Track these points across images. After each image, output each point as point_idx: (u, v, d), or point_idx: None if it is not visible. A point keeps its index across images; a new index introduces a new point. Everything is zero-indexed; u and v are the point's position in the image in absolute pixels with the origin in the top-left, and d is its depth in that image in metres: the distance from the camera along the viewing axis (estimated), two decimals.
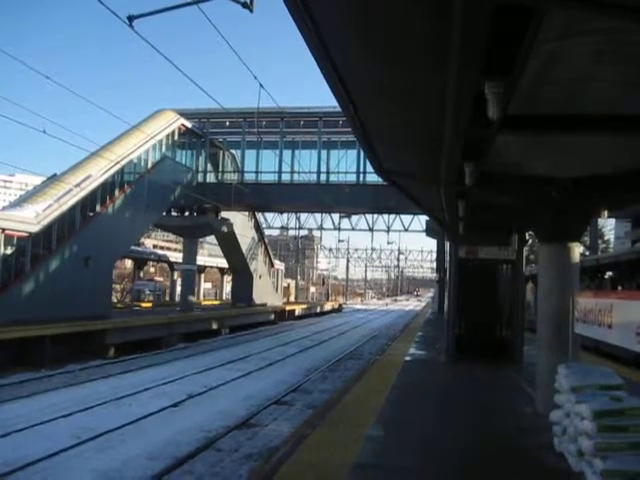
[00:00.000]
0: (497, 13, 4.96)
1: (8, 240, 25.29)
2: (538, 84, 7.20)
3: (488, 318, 20.24)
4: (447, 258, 23.38)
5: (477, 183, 10.82)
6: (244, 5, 11.81)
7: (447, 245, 23.94)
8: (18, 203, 28.90)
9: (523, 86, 6.87)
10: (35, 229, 26.19)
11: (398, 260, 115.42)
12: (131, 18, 13.95)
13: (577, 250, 11.95)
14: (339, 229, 53.00)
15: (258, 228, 54.64)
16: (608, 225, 56.76)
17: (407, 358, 20.50)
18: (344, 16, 6.13)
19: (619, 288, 25.77)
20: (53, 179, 30.14)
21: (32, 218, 26.14)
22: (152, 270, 75.32)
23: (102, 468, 10.70)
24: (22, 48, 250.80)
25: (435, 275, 62.22)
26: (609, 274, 29.29)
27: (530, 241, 32.30)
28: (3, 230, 24.77)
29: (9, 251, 25.62)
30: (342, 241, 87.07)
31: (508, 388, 15.24)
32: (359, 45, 6.87)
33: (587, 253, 42.16)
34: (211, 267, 71.90)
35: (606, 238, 58.62)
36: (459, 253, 20.04)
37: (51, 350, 22.86)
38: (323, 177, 40.05)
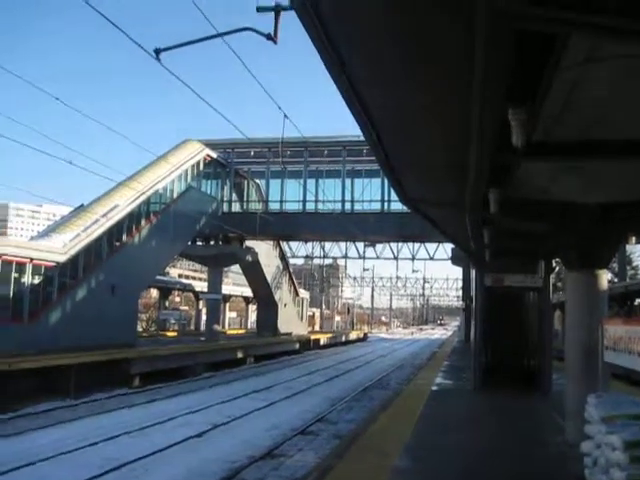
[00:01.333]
0: (520, 40, 4.96)
1: (36, 269, 25.58)
2: (562, 110, 7.16)
3: (515, 347, 20.01)
4: (473, 286, 23.21)
5: (502, 210, 10.76)
6: (268, 37, 11.94)
7: (473, 273, 23.79)
8: (46, 233, 29.31)
9: (547, 112, 6.85)
10: (62, 259, 26.47)
11: (423, 288, 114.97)
12: (158, 51, 14.15)
13: (605, 277, 11.81)
14: (364, 258, 52.96)
15: (283, 257, 54.75)
16: (636, 251, 56.04)
17: (434, 387, 20.28)
18: (368, 45, 6.16)
19: None
20: (80, 209, 30.56)
21: (59, 248, 26.45)
22: (177, 299, 75.79)
23: None
24: (48, 77, 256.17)
25: (461, 303, 61.72)
26: (639, 301, 28.83)
27: (557, 268, 31.97)
28: (31, 260, 25.07)
29: (37, 280, 25.90)
30: (367, 270, 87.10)
31: (537, 418, 15.00)
32: (384, 73, 6.89)
33: (615, 280, 41.64)
34: (236, 296, 72.12)
35: (634, 264, 57.81)
36: (485, 281, 19.87)
37: (77, 379, 22.92)
38: (347, 206, 40.13)
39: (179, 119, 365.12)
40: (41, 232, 33.72)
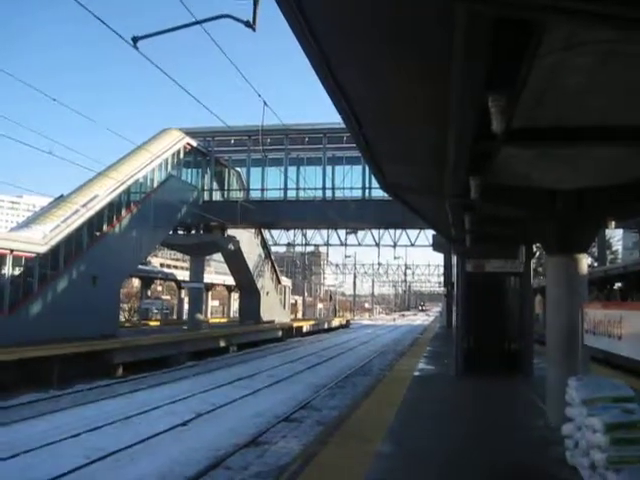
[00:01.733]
0: (498, 26, 4.98)
1: (16, 261, 25.41)
2: (541, 96, 7.21)
3: (497, 332, 20.15)
4: (454, 272, 23.32)
5: (483, 196, 10.81)
6: (247, 24, 11.85)
7: (454, 259, 23.90)
8: (26, 224, 29.10)
9: (527, 99, 6.89)
10: (43, 249, 26.30)
11: (405, 275, 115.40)
12: (135, 39, 14.03)
13: (585, 261, 11.93)
14: (345, 245, 52.98)
15: (264, 245, 54.72)
16: (616, 236, 56.65)
17: (416, 373, 20.42)
18: (346, 30, 6.16)
19: (629, 299, 25.62)
20: (60, 200, 30.35)
21: (40, 239, 26.27)
22: (159, 289, 75.51)
23: None
24: (25, 67, 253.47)
25: (443, 289, 62.05)
26: (618, 285, 29.15)
27: (538, 253, 32.19)
28: (11, 251, 24.89)
29: (17, 272, 25.74)
30: (349, 257, 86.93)
31: (519, 401, 15.16)
32: (362, 60, 6.90)
33: (595, 264, 42.03)
34: (218, 285, 72.03)
35: (614, 249, 58.43)
36: (466, 267, 19.99)
37: (59, 370, 22.83)
38: (329, 193, 40.15)
39: (159, 108, 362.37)
40: (21, 223, 33.46)
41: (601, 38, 5.65)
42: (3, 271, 24.90)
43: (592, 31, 5.48)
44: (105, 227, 31.24)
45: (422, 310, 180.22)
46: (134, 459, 12.56)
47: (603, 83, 6.91)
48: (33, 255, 26.01)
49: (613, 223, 17.95)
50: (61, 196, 31.14)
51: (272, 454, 13.04)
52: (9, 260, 24.94)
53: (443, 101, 6.83)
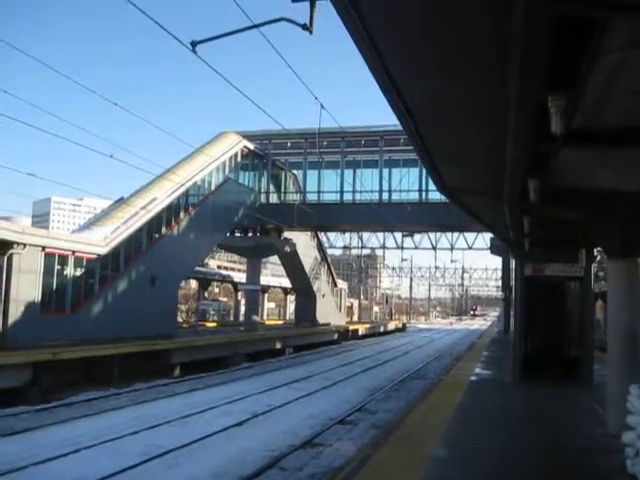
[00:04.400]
0: (559, 25, 4.89)
1: (78, 262, 26.00)
2: (602, 96, 7.04)
3: (556, 337, 19.80)
4: (512, 276, 22.99)
5: (541, 199, 10.65)
6: (304, 27, 11.91)
7: (512, 263, 23.56)
8: (87, 226, 29.76)
9: (587, 99, 6.74)
10: (103, 251, 26.86)
11: (462, 278, 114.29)
12: (194, 43, 14.21)
13: None
14: (402, 248, 52.70)
15: (321, 248, 54.81)
16: None
17: (473, 378, 20.20)
18: (402, 30, 6.13)
19: None
20: (120, 202, 30.95)
21: (100, 240, 26.84)
22: (216, 290, 76.42)
23: None
24: (83, 71, 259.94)
25: (500, 293, 61.16)
26: None
27: (599, 257, 31.49)
28: (73, 252, 25.48)
29: (79, 272, 26.33)
30: (405, 260, 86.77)
31: (578, 408, 14.85)
32: (419, 62, 6.86)
33: None
34: (274, 287, 72.40)
35: None
36: (525, 271, 19.67)
37: (119, 369, 23.31)
38: (385, 196, 39.96)
39: (215, 111, 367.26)
40: (82, 225, 34.24)
41: None
42: (65, 272, 25.50)
43: None
44: (164, 229, 31.74)
45: (474, 315, 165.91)
46: (190, 457, 12.72)
47: None
48: (94, 256, 26.59)
49: None
50: (121, 198, 31.75)
51: (327, 456, 13.06)
52: (71, 261, 25.55)
53: (501, 102, 6.74)
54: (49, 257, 24.40)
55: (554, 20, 4.82)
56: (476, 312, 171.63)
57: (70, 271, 25.67)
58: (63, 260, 25.28)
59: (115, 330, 25.78)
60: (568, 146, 8.05)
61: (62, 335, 23.08)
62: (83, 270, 26.56)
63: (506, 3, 4.59)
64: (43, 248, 23.87)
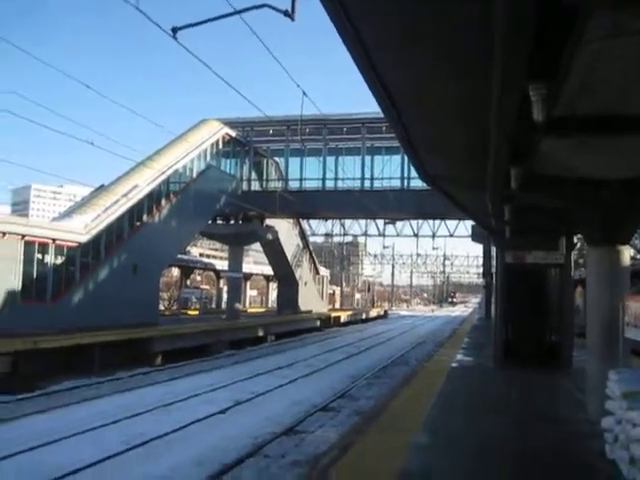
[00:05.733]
0: (541, 13, 4.89)
1: (58, 250, 25.83)
2: (584, 85, 7.07)
3: (536, 323, 19.96)
4: (494, 263, 23.12)
5: (523, 186, 10.69)
6: (285, 13, 11.86)
7: (493, 250, 23.69)
8: (67, 214, 29.55)
9: (569, 88, 6.77)
10: (84, 239, 26.69)
11: (444, 266, 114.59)
12: (175, 29, 14.11)
13: (627, 253, 11.71)
14: (384, 235, 52.78)
15: (303, 235, 54.81)
16: None
17: (454, 364, 20.32)
18: (384, 17, 6.12)
19: None
20: (101, 190, 30.77)
21: (81, 228, 26.66)
22: (198, 278, 76.19)
23: (150, 474, 10.80)
24: (65, 57, 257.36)
25: (482, 280, 61.54)
26: None
27: (579, 245, 31.71)
28: (54, 240, 25.30)
29: (59, 261, 26.15)
30: (387, 247, 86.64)
31: (558, 394, 15.00)
32: (403, 51, 6.85)
33: (638, 256, 41.25)
34: (257, 274, 72.39)
35: None
36: (506, 258, 19.78)
37: (100, 357, 23.21)
38: (367, 183, 40.01)
39: (197, 98, 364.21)
40: (62, 213, 34.01)
41: None
42: (46, 260, 25.33)
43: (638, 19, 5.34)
44: (145, 217, 31.57)
45: (452, 303, 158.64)
46: (172, 446, 12.72)
47: None
48: (75, 244, 26.41)
49: None
50: (102, 186, 31.55)
51: (309, 443, 13.12)
52: (52, 249, 25.37)
53: (484, 89, 6.75)
54: (29, 245, 24.22)
55: (537, 8, 4.82)
56: (455, 299, 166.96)
57: (51, 259, 25.50)
58: (43, 248, 25.10)
59: (97, 318, 25.62)
60: (550, 135, 8.09)
61: (43, 324, 22.92)
62: (64, 258, 26.39)
63: None
64: (23, 236, 23.68)
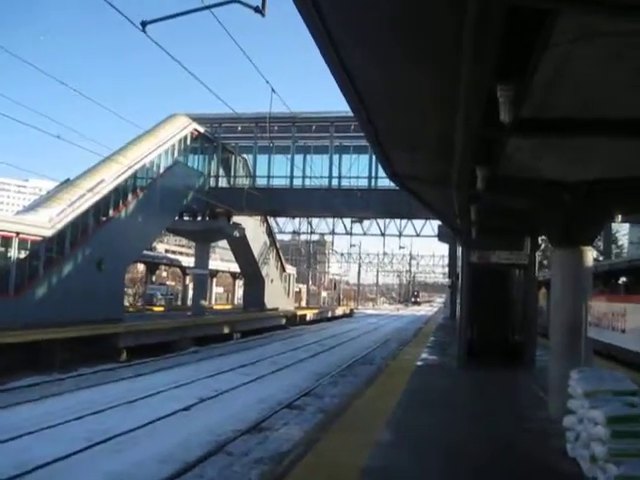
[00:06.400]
0: (510, 15, 4.94)
1: (22, 244, 25.46)
2: (551, 87, 7.16)
3: (500, 323, 20.17)
4: (459, 263, 23.31)
5: (489, 187, 10.78)
6: (256, 9, 11.82)
7: (459, 250, 23.89)
8: (32, 207, 29.13)
9: (536, 89, 6.84)
10: (49, 233, 26.34)
11: (410, 265, 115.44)
12: (144, 23, 13.99)
13: (590, 255, 11.88)
14: (351, 234, 53.03)
15: (270, 233, 54.71)
16: (622, 230, 56.45)
17: (419, 363, 20.45)
18: (354, 14, 6.12)
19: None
20: (67, 184, 30.37)
21: (46, 222, 26.30)
22: (164, 274, 75.73)
23: (113, 470, 10.69)
24: (34, 51, 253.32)
25: (447, 280, 62.02)
26: (623, 279, 29.05)
27: (543, 246, 32.14)
28: (17, 234, 24.93)
29: (23, 255, 25.79)
30: (354, 246, 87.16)
31: (520, 393, 15.18)
32: (370, 45, 6.86)
33: (600, 258, 41.91)
34: (223, 271, 72.10)
35: (620, 243, 58.23)
36: (471, 257, 19.94)
37: (63, 353, 22.93)
38: (335, 182, 40.07)
39: (166, 95, 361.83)
40: (27, 206, 33.51)
41: (616, 30, 5.55)
42: (9, 254, 24.95)
43: (607, 23, 5.41)
44: (111, 212, 31.25)
45: (415, 303, 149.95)
46: (136, 443, 12.61)
47: (614, 76, 6.84)
48: (39, 238, 26.06)
49: (620, 217, 17.89)
50: (67, 180, 31.15)
51: (274, 440, 13.10)
52: (15, 243, 24.99)
53: (452, 89, 6.79)
54: None
55: (506, 9, 4.85)
56: (418, 299, 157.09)
57: (14, 253, 25.11)
58: (6, 242, 24.72)
59: (61, 313, 25.31)
60: (516, 135, 8.17)
61: (5, 318, 22.54)
62: (27, 252, 26.02)
63: None
64: None
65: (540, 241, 21.15)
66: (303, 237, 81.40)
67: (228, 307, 64.26)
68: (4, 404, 16.34)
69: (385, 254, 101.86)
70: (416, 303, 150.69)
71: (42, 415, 14.75)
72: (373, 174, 39.19)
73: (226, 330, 38.45)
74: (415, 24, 6.03)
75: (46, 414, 14.89)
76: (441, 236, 44.09)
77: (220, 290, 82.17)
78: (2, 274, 24.51)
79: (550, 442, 9.38)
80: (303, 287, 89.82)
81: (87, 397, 17.54)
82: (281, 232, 57.25)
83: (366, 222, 49.12)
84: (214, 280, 68.64)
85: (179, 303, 62.75)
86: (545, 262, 43.36)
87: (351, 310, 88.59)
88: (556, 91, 7.38)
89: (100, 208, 30.27)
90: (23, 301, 24.91)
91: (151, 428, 13.87)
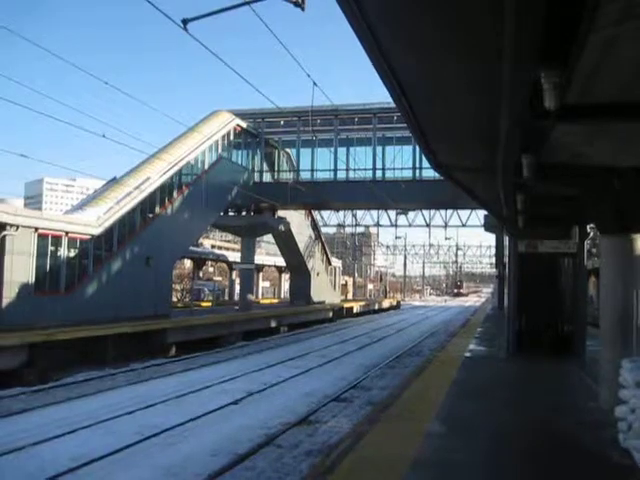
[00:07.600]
0: None
1: (71, 243, 25.90)
2: (597, 71, 6.99)
3: (549, 313, 19.88)
4: (506, 253, 23.03)
5: (535, 175, 10.62)
6: (295, 4, 11.80)
7: (506, 239, 23.59)
8: (80, 206, 29.59)
9: (581, 74, 6.70)
10: (97, 231, 26.77)
11: (456, 256, 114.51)
12: (185, 21, 14.08)
13: None
14: (396, 225, 52.70)
15: (315, 226, 54.76)
16: None
17: (467, 354, 20.30)
18: (397, 8, 6.07)
19: None
20: (113, 182, 30.79)
21: (94, 221, 26.73)
22: (211, 270, 76.33)
23: (165, 464, 10.85)
24: (77, 50, 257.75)
25: (494, 270, 61.34)
26: None
27: (592, 234, 31.58)
28: (67, 233, 25.38)
29: (72, 253, 26.25)
30: (399, 237, 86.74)
31: (571, 383, 14.96)
32: (413, 37, 6.79)
33: None
34: (269, 266, 72.39)
35: None
36: (519, 247, 19.71)
37: (114, 349, 23.36)
38: (379, 174, 39.87)
39: (208, 90, 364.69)
40: (75, 206, 34.05)
41: None
42: (59, 253, 25.42)
43: None
44: (157, 209, 31.60)
45: (458, 294, 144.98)
46: (186, 436, 12.79)
47: None
48: (87, 237, 26.49)
49: None
50: (114, 179, 31.58)
51: (322, 433, 13.14)
52: (64, 242, 25.45)
53: (495, 77, 6.69)
54: (42, 238, 24.30)
55: None
56: (461, 290, 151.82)
57: (64, 252, 25.58)
58: (56, 241, 25.18)
59: (110, 310, 25.79)
60: (562, 122, 8.02)
61: (57, 316, 23.06)
62: (77, 251, 26.47)
63: None
64: (36, 229, 23.75)
65: (589, 229, 20.78)
66: (348, 230, 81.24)
67: (275, 301, 64.59)
68: (61, 398, 16.80)
69: (431, 245, 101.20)
70: (459, 295, 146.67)
71: (96, 409, 15.08)
72: (417, 165, 38.92)
73: (273, 324, 38.67)
74: (455, 7, 5.94)
75: (100, 408, 15.23)
76: (487, 226, 43.61)
77: (267, 284, 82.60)
78: (53, 273, 24.98)
79: (601, 432, 9.23)
80: (349, 280, 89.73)
81: (138, 392, 17.84)
82: (326, 225, 57.23)
83: (411, 213, 48.85)
84: (260, 274, 68.99)
85: (226, 298, 63.23)
86: (594, 250, 42.56)
87: (398, 302, 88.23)
88: (603, 74, 7.20)
89: (146, 205, 30.63)
90: (73, 299, 25.37)
91: (201, 422, 14.03)
